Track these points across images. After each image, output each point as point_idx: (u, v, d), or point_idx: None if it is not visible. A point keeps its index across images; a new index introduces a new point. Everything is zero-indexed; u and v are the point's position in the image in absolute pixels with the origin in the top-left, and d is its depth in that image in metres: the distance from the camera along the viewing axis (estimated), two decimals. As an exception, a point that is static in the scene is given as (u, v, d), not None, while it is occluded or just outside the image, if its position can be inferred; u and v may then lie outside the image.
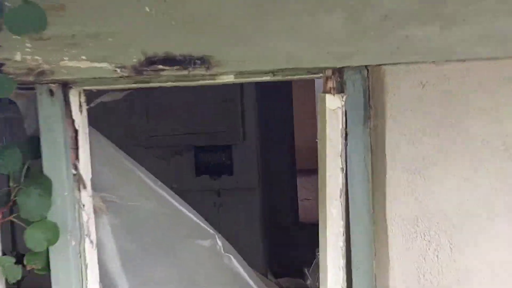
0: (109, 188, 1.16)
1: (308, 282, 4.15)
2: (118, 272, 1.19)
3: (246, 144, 2.85)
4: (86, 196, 1.10)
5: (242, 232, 2.94)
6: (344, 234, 0.93)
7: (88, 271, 1.09)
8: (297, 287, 3.49)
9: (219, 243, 1.24)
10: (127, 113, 2.85)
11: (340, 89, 0.94)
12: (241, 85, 2.75)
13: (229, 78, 1.03)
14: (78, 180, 1.07)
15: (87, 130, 1.13)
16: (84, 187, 1.08)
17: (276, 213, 6.02)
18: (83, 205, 1.08)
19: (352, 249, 0.95)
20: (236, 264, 1.25)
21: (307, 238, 5.76)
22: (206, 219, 2.86)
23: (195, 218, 1.21)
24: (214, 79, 1.03)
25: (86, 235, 1.09)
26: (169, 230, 1.19)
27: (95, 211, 1.14)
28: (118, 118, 2.87)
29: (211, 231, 1.26)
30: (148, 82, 1.03)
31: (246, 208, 2.92)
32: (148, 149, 2.85)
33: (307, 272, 4.28)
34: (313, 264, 4.18)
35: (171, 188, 1.35)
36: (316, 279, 3.86)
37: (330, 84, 0.93)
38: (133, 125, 2.80)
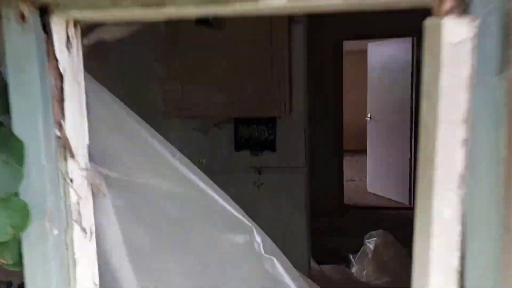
0: (111, 160, 0.85)
1: (354, 269, 3.80)
2: (123, 267, 0.89)
3: (293, 117, 2.49)
4: (76, 169, 0.79)
5: (284, 215, 2.62)
6: (460, 247, 0.57)
7: (78, 269, 0.79)
8: (342, 277, 3.15)
9: (258, 240, 0.91)
10: (158, 77, 2.55)
11: (463, 11, 0.56)
12: (289, 48, 2.38)
13: (279, 1, 0.67)
14: (64, 145, 0.77)
15: (81, 78, 0.82)
16: (72, 156, 0.78)
17: (320, 194, 5.67)
18: (71, 180, 0.78)
19: (466, 271, 0.59)
20: (280, 270, 0.91)
21: (352, 222, 5.37)
22: (244, 200, 2.56)
23: (226, 204, 0.88)
24: (257, 3, 0.68)
25: (76, 221, 0.79)
26: (190, 218, 0.88)
27: (92, 190, 0.84)
28: (149, 82, 2.59)
29: (248, 223, 0.92)
30: (161, 5, 0.70)
31: (290, 189, 2.59)
32: (183, 120, 2.56)
33: (352, 259, 3.93)
34: (360, 252, 3.82)
35: (199, 164, 1.03)
36: (363, 268, 3.50)
37: (449, 2, 0.56)
38: (166, 91, 2.51)
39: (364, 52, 7.15)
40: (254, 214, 2.47)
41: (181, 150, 2.51)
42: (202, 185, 0.87)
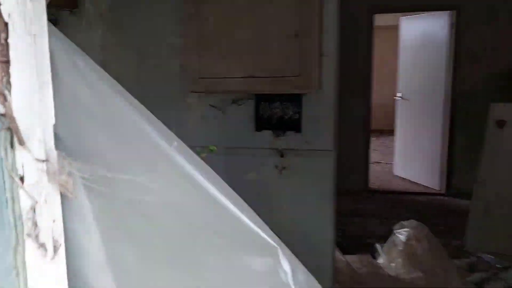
0: (88, 150, 0.61)
1: (380, 260, 3.55)
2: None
3: (322, 94, 2.22)
4: (29, 161, 0.56)
5: (308, 203, 2.38)
6: None
7: (35, 300, 0.57)
8: (370, 270, 2.90)
9: (286, 267, 0.65)
10: (175, 48, 2.30)
11: None
12: (320, 15, 2.08)
13: None
14: (10, 127, 0.53)
15: (40, 31, 0.57)
16: (23, 143, 0.54)
17: (344, 176, 5.42)
18: (21, 178, 0.54)
19: None
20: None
21: (377, 207, 5.08)
22: (264, 185, 2.32)
23: (241, 214, 0.63)
24: None
25: (29, 235, 0.56)
26: (192, 232, 0.63)
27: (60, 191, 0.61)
28: (165, 55, 2.34)
29: (272, 241, 0.66)
30: None
31: (316, 174, 2.33)
32: (200, 96, 2.31)
33: (379, 249, 3.67)
34: (388, 241, 3.55)
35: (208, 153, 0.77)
36: (391, 259, 3.25)
37: None
38: (182, 64, 2.26)
39: (394, 28, 6.73)
40: (274, 201, 2.23)
41: (196, 130, 2.26)
42: (208, 186, 0.61)
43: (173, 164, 0.59)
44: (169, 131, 0.63)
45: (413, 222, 3.10)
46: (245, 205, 0.67)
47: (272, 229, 2.24)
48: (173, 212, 0.61)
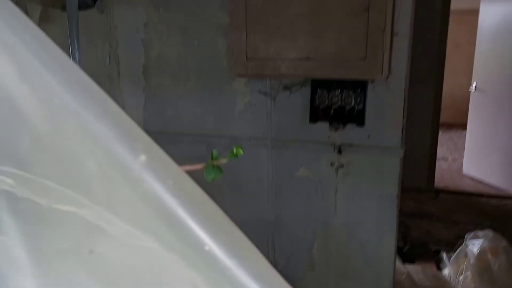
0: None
1: (446, 272, 3.15)
2: None
3: (391, 82, 1.88)
4: None
5: (367, 206, 2.07)
6: None
7: None
8: (434, 285, 2.54)
9: None
10: (222, 26, 2.04)
11: None
12: (394, -14, 1.74)
13: None
14: None
15: None
16: None
17: (407, 174, 4.98)
18: None
19: None
20: None
21: (443, 209, 4.59)
22: (318, 185, 2.03)
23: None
24: None
25: None
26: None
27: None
28: (212, 34, 2.10)
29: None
30: None
31: (379, 174, 2.01)
32: (247, 79, 2.05)
33: (446, 259, 3.26)
34: (458, 251, 3.13)
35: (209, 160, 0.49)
36: (459, 272, 2.85)
37: None
38: (229, 44, 2.01)
39: (472, 13, 6.08)
40: (328, 203, 1.93)
41: (242, 119, 1.99)
42: (192, 227, 0.34)
43: (141, 187, 0.33)
44: (142, 134, 0.37)
45: (489, 233, 2.68)
46: (251, 244, 0.39)
47: (321, 235, 1.95)
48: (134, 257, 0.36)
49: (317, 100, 1.96)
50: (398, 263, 2.49)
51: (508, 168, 5.07)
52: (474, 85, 5.52)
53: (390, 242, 2.06)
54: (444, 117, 8.32)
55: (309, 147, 2.06)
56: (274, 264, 2.22)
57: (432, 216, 4.51)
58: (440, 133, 8.01)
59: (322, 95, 1.95)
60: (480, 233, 2.74)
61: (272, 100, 2.07)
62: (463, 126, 6.47)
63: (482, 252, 2.59)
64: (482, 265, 2.59)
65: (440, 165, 6.16)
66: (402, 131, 1.96)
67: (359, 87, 1.88)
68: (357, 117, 1.94)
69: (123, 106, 1.92)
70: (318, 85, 1.94)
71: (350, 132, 1.99)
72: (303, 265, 2.18)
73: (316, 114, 1.99)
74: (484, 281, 2.54)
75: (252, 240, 0.38)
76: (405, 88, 1.89)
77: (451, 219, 4.42)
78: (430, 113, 5.05)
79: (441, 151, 6.95)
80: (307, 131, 2.05)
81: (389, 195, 2.01)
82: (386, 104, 1.91)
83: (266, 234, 2.21)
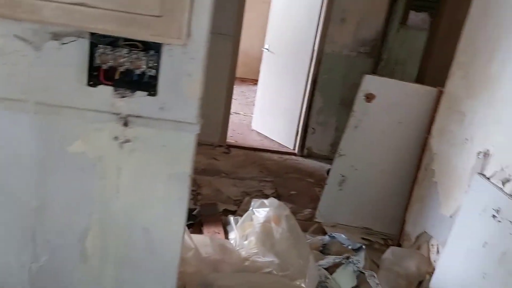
0: None
1: (233, 235, 3.18)
2: None
3: (190, 47, 1.58)
4: None
5: (156, 188, 1.81)
6: None
7: None
8: (220, 258, 2.50)
9: None
10: None
11: None
12: None
13: None
14: None
15: None
16: None
17: (202, 130, 4.92)
18: None
19: None
20: None
21: (232, 164, 4.72)
22: (97, 164, 1.65)
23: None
24: None
25: None
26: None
27: None
28: None
29: None
30: None
31: (171, 151, 1.75)
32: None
33: (232, 223, 3.29)
34: (244, 217, 3.14)
35: None
36: (245, 236, 2.89)
37: None
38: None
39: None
40: (108, 183, 1.55)
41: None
42: None
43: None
44: None
45: (274, 202, 2.77)
46: None
47: (98, 221, 1.55)
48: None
49: (97, 59, 1.53)
50: (186, 237, 2.34)
51: (288, 126, 5.52)
52: (267, 46, 5.73)
53: (178, 225, 1.85)
54: (237, 71, 8.61)
55: (87, 116, 1.63)
56: (35, 258, 1.77)
57: (222, 172, 4.59)
58: (234, 87, 8.29)
59: (105, 52, 1.52)
60: (266, 201, 2.81)
61: (35, 50, 1.54)
62: (255, 82, 6.76)
63: (267, 220, 2.67)
64: (265, 232, 2.67)
65: (232, 120, 6.35)
66: (199, 104, 1.71)
67: (153, 48, 1.53)
68: (149, 85, 1.60)
69: None
70: (100, 39, 1.50)
71: (139, 102, 1.64)
72: (73, 257, 1.80)
73: (97, 75, 1.56)
74: (266, 246, 2.63)
75: None
76: (205, 55, 1.62)
77: (240, 175, 4.59)
78: (228, 68, 5.04)
79: (234, 105, 7.18)
80: (85, 95, 1.60)
81: (181, 175, 1.77)
82: (184, 73, 1.62)
83: (25, 225, 1.73)
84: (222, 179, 4.44)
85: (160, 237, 1.86)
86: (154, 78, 1.59)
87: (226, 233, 3.16)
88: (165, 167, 1.76)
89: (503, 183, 2.40)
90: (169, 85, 1.63)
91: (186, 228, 2.48)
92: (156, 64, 1.56)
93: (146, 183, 1.78)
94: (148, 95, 1.62)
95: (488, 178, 2.52)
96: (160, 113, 1.67)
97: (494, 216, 2.35)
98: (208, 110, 5.24)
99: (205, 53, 1.62)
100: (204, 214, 3.45)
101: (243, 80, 9.08)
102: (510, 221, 2.23)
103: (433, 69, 4.50)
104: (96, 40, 1.49)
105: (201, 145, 5.19)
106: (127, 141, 1.69)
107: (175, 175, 1.77)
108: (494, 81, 2.64)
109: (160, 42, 1.47)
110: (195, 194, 3.99)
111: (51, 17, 1.33)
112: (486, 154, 2.61)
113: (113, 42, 1.50)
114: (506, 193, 2.34)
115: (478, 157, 2.67)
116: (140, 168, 1.75)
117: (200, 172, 4.47)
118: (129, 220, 1.82)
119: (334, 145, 4.98)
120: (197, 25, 1.55)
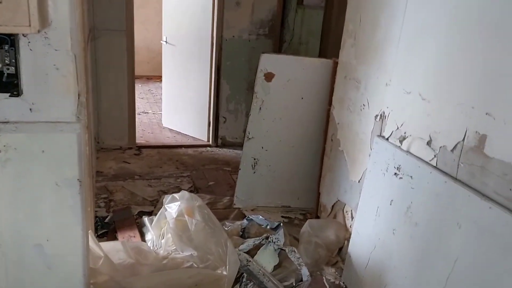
0: None
1: (150, 236, 3.04)
2: None
3: (52, 37, 1.42)
4: None
5: (45, 197, 1.63)
6: None
7: None
8: (134, 262, 2.36)
9: None
10: None
11: None
12: None
13: None
14: None
15: None
16: None
17: (108, 135, 4.72)
18: None
19: None
20: None
21: (146, 165, 4.53)
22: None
23: None
24: None
25: None
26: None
27: None
28: None
29: None
30: None
31: (52, 156, 1.58)
32: None
33: (147, 223, 3.14)
34: (158, 215, 3.00)
35: None
36: (161, 235, 2.77)
37: None
38: None
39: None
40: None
41: None
42: None
43: None
44: None
45: (185, 194, 2.68)
46: None
47: None
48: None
49: None
50: (94, 246, 2.17)
51: (199, 118, 5.41)
52: (164, 38, 5.54)
53: (76, 235, 1.69)
54: (142, 70, 8.30)
55: None
56: None
57: (135, 174, 4.38)
58: (140, 86, 7.97)
59: None
60: (177, 195, 2.70)
61: None
62: (161, 78, 6.55)
63: (180, 214, 2.56)
64: (180, 226, 2.57)
65: (141, 119, 6.10)
66: (80, 99, 1.56)
67: (6, 42, 1.35)
68: (9, 84, 1.42)
69: None
70: None
71: (2, 106, 1.45)
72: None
73: None
74: (183, 241, 2.54)
75: None
76: (72, 44, 1.47)
77: (155, 175, 4.41)
78: (125, 65, 4.79)
79: (142, 105, 6.90)
80: None
81: (69, 181, 1.61)
82: (50, 67, 1.46)
83: None
84: (136, 181, 4.23)
85: (57, 251, 1.69)
86: (15, 76, 1.41)
87: (142, 236, 3.01)
88: (49, 174, 1.59)
89: (400, 141, 2.51)
90: (35, 83, 1.46)
91: (92, 236, 2.31)
92: (14, 60, 1.39)
93: (30, 195, 1.59)
94: (11, 96, 1.44)
95: (387, 139, 2.63)
96: (31, 115, 1.49)
97: (396, 174, 2.46)
98: (111, 112, 4.99)
99: (72, 43, 1.47)
100: (116, 220, 3.25)
101: (149, 78, 8.78)
102: (410, 176, 2.34)
103: (333, 44, 4.63)
104: None
105: (109, 150, 4.91)
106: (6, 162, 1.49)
107: (62, 181, 1.61)
108: (381, 46, 2.75)
109: (6, 32, 1.30)
110: (107, 201, 3.76)
111: None
112: (382, 116, 2.72)
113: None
114: (403, 150, 2.45)
115: (376, 120, 2.78)
116: (20, 180, 1.57)
117: (111, 178, 4.22)
118: (17, 238, 1.63)
119: (247, 130, 4.98)
120: (56, 11, 1.40)
